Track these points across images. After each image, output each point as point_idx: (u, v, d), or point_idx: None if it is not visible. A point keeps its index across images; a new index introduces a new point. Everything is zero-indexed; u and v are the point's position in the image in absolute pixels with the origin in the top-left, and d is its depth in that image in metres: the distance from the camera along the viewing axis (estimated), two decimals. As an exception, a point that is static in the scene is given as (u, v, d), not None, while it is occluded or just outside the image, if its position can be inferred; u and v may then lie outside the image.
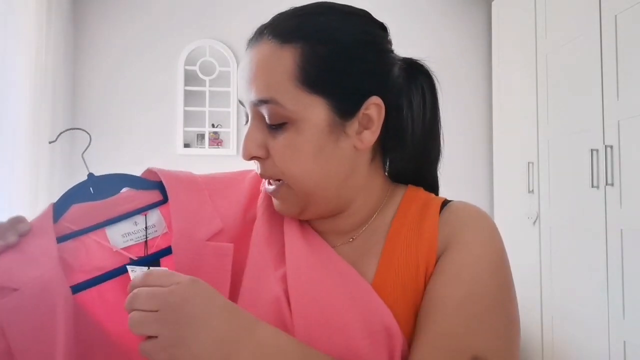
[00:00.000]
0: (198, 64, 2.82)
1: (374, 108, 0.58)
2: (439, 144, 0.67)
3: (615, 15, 1.86)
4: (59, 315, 0.51)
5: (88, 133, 0.65)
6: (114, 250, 0.59)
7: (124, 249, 0.60)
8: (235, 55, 2.83)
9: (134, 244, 0.60)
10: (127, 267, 0.52)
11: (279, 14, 0.61)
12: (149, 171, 0.66)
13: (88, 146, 0.64)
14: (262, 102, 0.56)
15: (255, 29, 0.61)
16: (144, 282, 0.47)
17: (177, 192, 0.62)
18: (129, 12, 2.80)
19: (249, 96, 0.57)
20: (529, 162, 2.39)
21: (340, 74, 0.56)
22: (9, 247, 0.55)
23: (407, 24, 2.91)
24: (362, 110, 0.58)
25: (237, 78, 0.61)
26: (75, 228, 0.59)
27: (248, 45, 0.60)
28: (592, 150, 1.92)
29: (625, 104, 1.81)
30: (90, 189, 0.61)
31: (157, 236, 0.61)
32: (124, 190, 0.63)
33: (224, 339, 0.46)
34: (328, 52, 0.56)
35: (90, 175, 0.61)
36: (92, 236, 0.60)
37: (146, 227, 0.61)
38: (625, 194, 1.80)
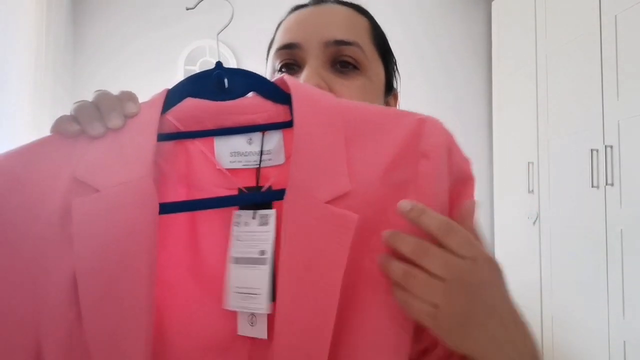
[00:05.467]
0: (198, 64, 2.82)
1: (393, 98, 0.69)
2: None
3: (615, 15, 1.86)
4: (140, 235, 0.40)
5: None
6: (218, 167, 0.47)
7: (230, 170, 0.47)
8: (235, 55, 2.83)
9: (242, 168, 0.48)
10: (234, 213, 0.44)
11: None
12: (282, 81, 0.50)
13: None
14: (346, 43, 0.60)
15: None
16: (443, 237, 0.41)
17: (306, 122, 0.45)
18: (129, 12, 2.80)
19: (323, 36, 0.60)
20: (529, 162, 2.39)
21: (389, 57, 0.67)
22: (108, 132, 0.44)
23: (407, 23, 2.91)
24: (389, 96, 0.68)
25: (291, 24, 0.64)
26: (182, 128, 0.48)
27: (305, 6, 0.66)
28: (592, 150, 1.92)
29: (625, 104, 1.81)
30: (216, 81, 0.48)
31: (271, 166, 0.48)
32: (249, 95, 0.49)
33: (507, 338, 0.43)
34: (384, 38, 0.67)
35: (218, 64, 0.48)
36: (198, 144, 0.48)
37: (261, 152, 0.48)
38: (625, 194, 1.80)
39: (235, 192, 0.47)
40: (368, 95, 0.60)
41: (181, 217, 0.46)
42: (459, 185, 0.47)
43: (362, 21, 0.64)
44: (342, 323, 0.42)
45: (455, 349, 0.43)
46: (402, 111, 0.49)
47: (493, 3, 2.83)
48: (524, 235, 2.43)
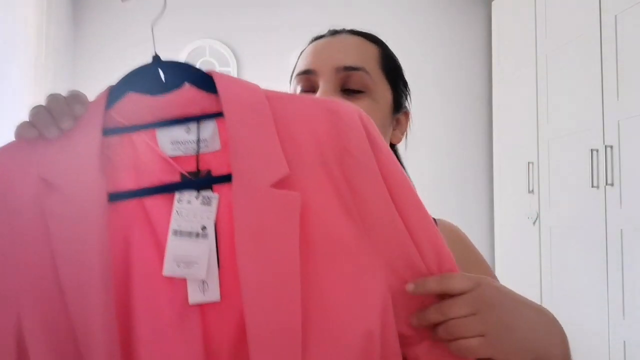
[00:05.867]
0: (198, 64, 2.82)
1: (404, 115, 0.78)
2: None
3: (615, 15, 1.86)
4: (93, 224, 0.47)
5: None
6: (163, 156, 0.52)
7: (173, 158, 0.52)
8: (235, 55, 2.83)
9: (183, 155, 0.52)
10: (177, 192, 0.49)
11: (344, 28, 0.78)
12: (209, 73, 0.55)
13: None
14: (354, 68, 0.69)
15: (325, 31, 0.78)
16: (447, 288, 0.50)
17: (235, 111, 0.50)
18: (129, 12, 2.80)
19: (334, 63, 0.69)
20: (529, 162, 2.39)
21: (398, 80, 0.76)
22: (62, 133, 0.50)
23: (407, 24, 2.91)
24: (399, 113, 0.76)
25: (308, 52, 0.74)
26: (125, 122, 0.52)
27: (323, 36, 0.77)
28: (592, 150, 1.92)
29: (625, 104, 1.81)
30: (153, 75, 0.53)
31: (209, 152, 0.52)
32: (185, 86, 0.53)
33: (535, 322, 0.54)
34: (394, 62, 0.76)
35: (156, 57, 0.53)
36: (142, 135, 0.52)
37: (198, 140, 0.52)
38: (625, 194, 1.80)
39: (178, 177, 0.52)
40: (373, 114, 0.63)
41: (133, 202, 0.51)
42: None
43: (371, 48, 0.74)
44: (305, 283, 0.47)
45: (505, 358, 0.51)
46: (322, 100, 0.56)
47: (493, 3, 2.83)
48: (524, 235, 2.43)
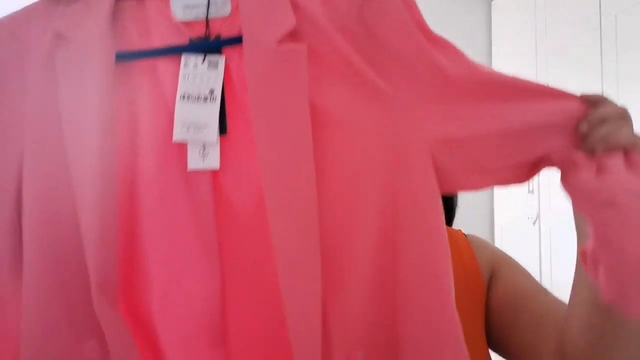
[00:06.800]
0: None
1: None
2: None
3: (615, 15, 1.86)
4: (98, 79, 0.46)
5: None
6: (174, 21, 0.51)
7: (184, 23, 0.51)
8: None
9: (194, 21, 0.51)
10: (183, 54, 0.48)
11: None
12: None
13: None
14: None
15: None
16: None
17: None
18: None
19: None
20: (529, 162, 2.38)
21: None
22: None
23: (407, 24, 2.91)
24: None
25: None
26: None
27: None
28: (592, 150, 1.92)
29: (625, 103, 1.81)
30: None
31: (219, 17, 0.51)
32: None
33: None
34: None
35: None
36: (156, 0, 0.51)
37: (208, 3, 0.50)
38: (625, 194, 1.80)
39: (187, 41, 0.51)
40: None
41: (140, 63, 0.50)
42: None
43: None
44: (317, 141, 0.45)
45: None
46: None
47: (493, 3, 2.83)
48: (524, 235, 2.43)
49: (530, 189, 2.38)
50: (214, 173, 0.47)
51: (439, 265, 0.45)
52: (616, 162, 0.45)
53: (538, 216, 2.33)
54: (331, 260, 0.44)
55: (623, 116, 0.48)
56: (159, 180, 0.47)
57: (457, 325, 0.45)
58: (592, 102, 0.48)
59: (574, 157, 0.47)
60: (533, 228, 2.36)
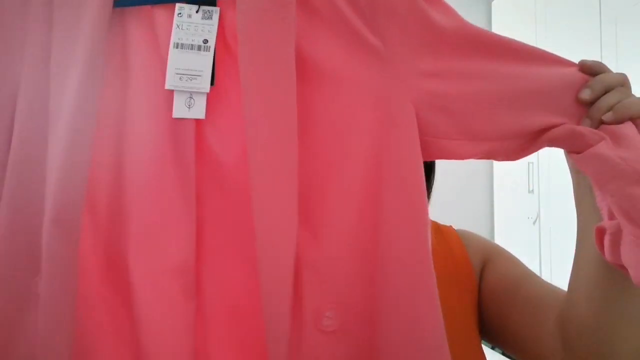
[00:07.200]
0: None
1: None
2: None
3: (616, 16, 1.86)
4: (92, 21, 0.46)
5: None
6: None
7: None
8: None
9: None
10: (177, 5, 0.47)
11: None
12: None
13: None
14: None
15: None
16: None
17: None
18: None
19: None
20: (529, 162, 2.39)
21: None
22: None
23: (407, 24, 2.91)
24: None
25: None
26: None
27: None
28: (592, 151, 1.92)
29: (625, 104, 1.81)
30: None
31: None
32: None
33: None
34: None
35: None
36: None
37: None
38: (625, 194, 1.80)
39: None
40: None
41: (137, 12, 0.49)
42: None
43: None
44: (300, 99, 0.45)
45: None
46: None
47: (493, 3, 2.83)
48: (524, 235, 2.44)
49: (530, 189, 2.38)
50: (199, 123, 0.46)
51: (418, 228, 0.44)
52: (633, 133, 0.43)
53: (538, 216, 2.33)
54: (311, 213, 0.44)
55: (624, 83, 0.46)
56: (144, 126, 0.46)
57: (434, 293, 0.44)
58: (592, 69, 0.46)
59: (580, 129, 0.44)
60: (533, 228, 2.36)
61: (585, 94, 0.45)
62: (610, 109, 0.44)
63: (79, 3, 0.47)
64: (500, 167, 2.73)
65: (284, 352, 0.40)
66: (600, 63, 0.47)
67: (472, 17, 3.31)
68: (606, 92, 0.45)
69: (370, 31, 0.45)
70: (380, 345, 0.43)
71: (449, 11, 0.50)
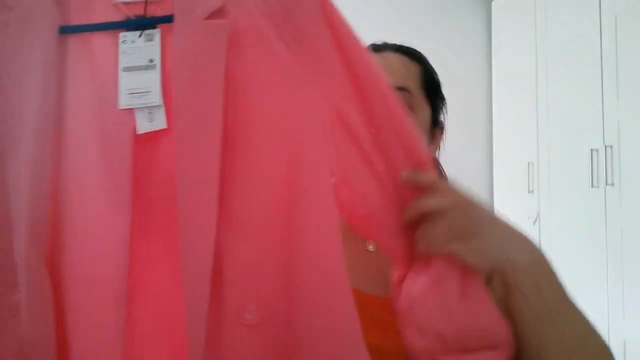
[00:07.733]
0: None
1: (440, 130, 0.79)
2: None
3: (615, 15, 1.86)
4: (40, 50, 0.49)
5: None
6: (114, 2, 0.54)
7: (124, 4, 0.54)
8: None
9: (132, 2, 0.54)
10: (121, 33, 0.51)
11: (385, 42, 0.80)
12: None
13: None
14: (398, 89, 0.67)
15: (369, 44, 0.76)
16: (433, 185, 0.53)
17: None
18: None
19: None
20: (529, 162, 2.39)
21: (437, 97, 0.78)
22: None
23: (407, 23, 2.92)
24: (436, 128, 0.78)
25: None
26: None
27: None
28: (592, 150, 1.92)
29: (625, 104, 1.81)
30: None
31: (156, 0, 0.55)
32: None
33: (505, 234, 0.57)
34: (435, 79, 0.78)
35: None
36: None
37: None
38: (625, 194, 1.80)
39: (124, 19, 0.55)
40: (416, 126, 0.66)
41: (81, 37, 0.53)
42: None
43: (414, 67, 0.75)
44: (230, 111, 0.50)
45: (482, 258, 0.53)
46: None
47: (493, 3, 2.83)
48: (524, 235, 2.43)
49: (530, 189, 2.38)
50: (136, 135, 0.50)
51: (327, 231, 0.49)
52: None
53: (538, 216, 2.33)
54: (232, 212, 0.47)
55: (445, 212, 0.52)
56: (80, 139, 0.50)
57: (348, 293, 0.48)
58: (426, 187, 0.53)
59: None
60: (533, 228, 2.36)
61: (404, 215, 0.53)
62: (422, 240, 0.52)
63: (24, 31, 0.50)
64: (501, 167, 2.73)
65: (202, 340, 0.44)
66: (438, 181, 0.55)
67: (472, 17, 3.30)
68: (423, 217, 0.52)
69: (292, 54, 0.51)
70: (299, 339, 0.47)
71: (350, 39, 0.56)
